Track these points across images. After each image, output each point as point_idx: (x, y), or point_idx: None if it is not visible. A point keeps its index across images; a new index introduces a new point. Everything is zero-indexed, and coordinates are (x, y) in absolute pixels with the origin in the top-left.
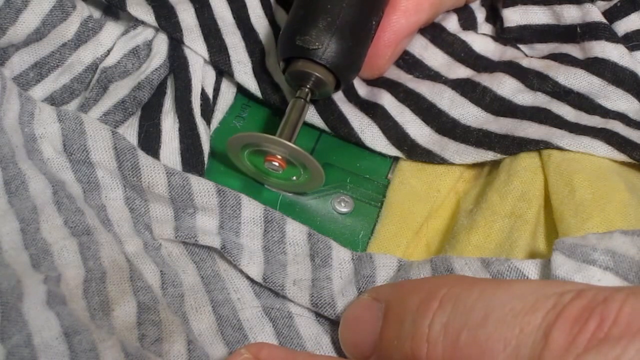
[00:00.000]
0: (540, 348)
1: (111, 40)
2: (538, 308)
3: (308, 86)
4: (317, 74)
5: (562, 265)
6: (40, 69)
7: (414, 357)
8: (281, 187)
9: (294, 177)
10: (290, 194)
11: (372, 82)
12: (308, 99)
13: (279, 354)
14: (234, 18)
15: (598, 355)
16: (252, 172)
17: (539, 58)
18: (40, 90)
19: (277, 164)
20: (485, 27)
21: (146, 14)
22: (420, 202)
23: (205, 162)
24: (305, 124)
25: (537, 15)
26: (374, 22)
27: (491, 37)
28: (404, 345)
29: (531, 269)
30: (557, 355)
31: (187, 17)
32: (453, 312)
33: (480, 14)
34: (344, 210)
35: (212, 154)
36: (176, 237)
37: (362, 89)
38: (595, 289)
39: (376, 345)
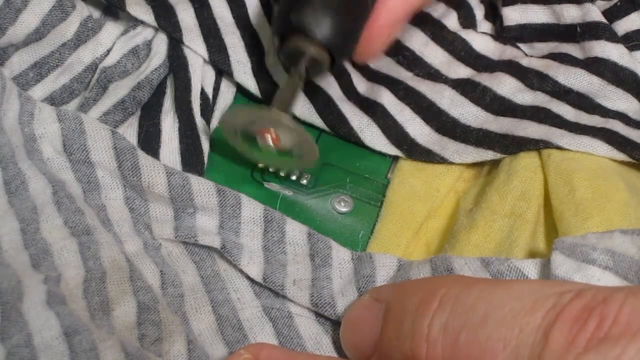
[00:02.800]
0: (540, 348)
1: (111, 40)
2: (537, 308)
3: (302, 63)
4: (311, 51)
5: (562, 265)
6: (40, 69)
7: (413, 357)
8: (276, 165)
9: (288, 154)
10: (290, 194)
11: (372, 79)
12: (302, 76)
13: (279, 355)
14: (234, 18)
15: (598, 355)
16: (246, 151)
17: (539, 57)
18: (40, 90)
19: (270, 139)
20: (484, 25)
21: (145, 14)
22: (420, 202)
23: (205, 161)
24: (305, 123)
25: (537, 15)
26: (369, 0)
27: (491, 36)
28: (403, 345)
29: (531, 268)
30: (557, 355)
31: (186, 16)
32: (452, 312)
33: (479, 12)
34: (344, 210)
35: (212, 153)
36: (176, 237)
37: (361, 86)
38: (594, 289)
39: (376, 345)
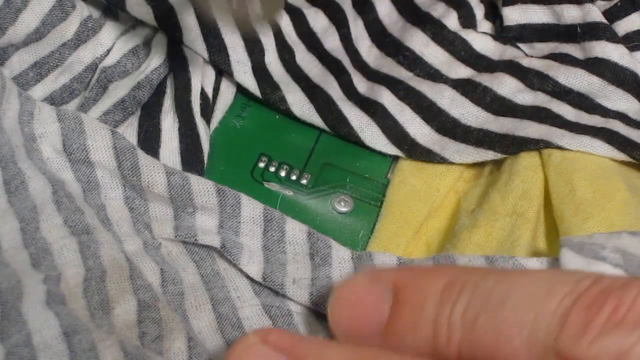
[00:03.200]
0: (556, 331)
1: (111, 40)
2: (555, 293)
3: None
4: None
5: (572, 261)
6: (40, 69)
7: (433, 342)
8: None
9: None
10: (290, 194)
11: (372, 79)
12: None
13: (288, 339)
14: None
15: (614, 338)
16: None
17: (539, 58)
18: (39, 90)
19: None
20: (484, 25)
21: (145, 14)
22: (420, 202)
23: (205, 161)
24: (305, 123)
25: (537, 15)
26: None
27: (491, 35)
28: (422, 329)
29: (536, 266)
30: (573, 338)
31: (186, 16)
32: (472, 298)
33: (479, 11)
34: (344, 209)
35: (212, 153)
36: (176, 237)
37: (361, 86)
38: (612, 277)
39: (381, 328)
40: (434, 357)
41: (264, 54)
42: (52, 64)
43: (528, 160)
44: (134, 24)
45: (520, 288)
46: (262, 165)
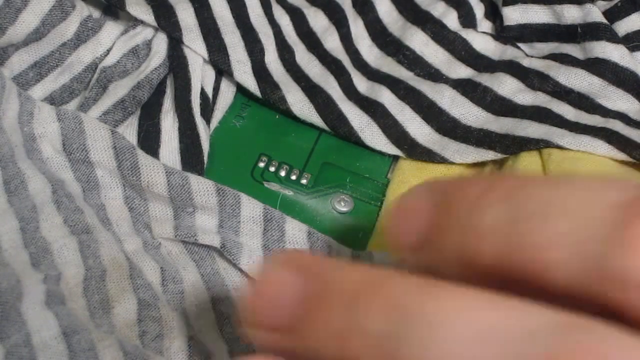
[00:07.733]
0: (610, 243)
1: (111, 40)
2: (611, 199)
3: None
4: None
5: None
6: (40, 69)
7: (467, 250)
8: None
9: None
10: (290, 194)
11: (372, 78)
12: None
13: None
14: (233, 17)
15: None
16: None
17: (540, 58)
18: (39, 90)
19: None
20: (484, 24)
21: (145, 14)
22: None
23: (205, 161)
24: (305, 123)
25: (537, 15)
26: None
27: (491, 35)
28: (457, 236)
29: None
30: (630, 251)
31: (186, 16)
32: (511, 204)
33: (479, 10)
34: (344, 209)
35: (212, 153)
36: (176, 236)
37: (361, 85)
38: None
39: (427, 235)
40: (465, 267)
41: (264, 54)
42: (52, 64)
43: (528, 160)
44: (134, 23)
45: (566, 194)
46: (262, 165)
